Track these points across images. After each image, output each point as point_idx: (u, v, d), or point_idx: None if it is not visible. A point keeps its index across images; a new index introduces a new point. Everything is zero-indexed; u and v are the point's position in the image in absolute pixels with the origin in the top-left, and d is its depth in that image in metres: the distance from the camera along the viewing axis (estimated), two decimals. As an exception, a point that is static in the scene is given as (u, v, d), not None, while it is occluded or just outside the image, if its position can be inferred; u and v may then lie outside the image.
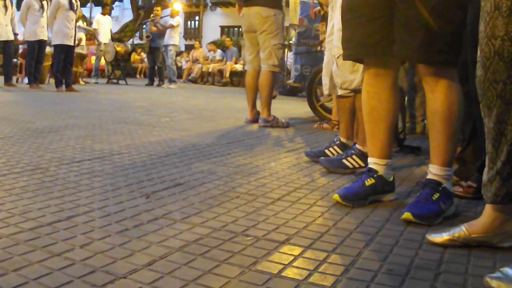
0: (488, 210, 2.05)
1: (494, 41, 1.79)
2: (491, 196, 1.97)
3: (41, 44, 11.45)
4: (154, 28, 15.74)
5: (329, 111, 6.84)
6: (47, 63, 13.19)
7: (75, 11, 11.06)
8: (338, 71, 3.56)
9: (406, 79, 5.89)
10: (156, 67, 16.53)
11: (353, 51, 2.79)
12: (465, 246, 2.06)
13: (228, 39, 23.40)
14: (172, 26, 15.37)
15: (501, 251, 2.04)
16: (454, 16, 2.45)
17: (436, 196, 2.47)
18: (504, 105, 1.83)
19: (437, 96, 2.55)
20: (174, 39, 15.47)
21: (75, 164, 3.26)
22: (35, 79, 11.48)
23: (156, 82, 16.43)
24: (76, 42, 11.58)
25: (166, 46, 15.39)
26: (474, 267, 1.90)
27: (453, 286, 1.72)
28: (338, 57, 3.54)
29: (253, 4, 5.99)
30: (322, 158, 3.62)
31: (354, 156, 3.49)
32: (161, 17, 16.20)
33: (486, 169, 2.00)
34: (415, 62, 2.72)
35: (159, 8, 16.69)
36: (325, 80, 4.06)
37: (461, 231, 2.07)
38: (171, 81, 15.57)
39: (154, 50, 16.02)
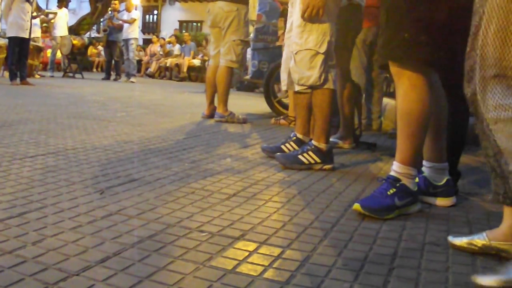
0: (507, 213, 1.97)
1: None
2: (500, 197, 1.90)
3: (-6, 36, 11.25)
4: (115, 23, 15.50)
5: (286, 107, 6.87)
6: (1, 55, 12.93)
7: (31, 3, 10.88)
8: (296, 67, 3.57)
9: (364, 75, 5.93)
10: (113, 61, 16.34)
11: None
12: (484, 253, 1.99)
13: (186, 34, 23.29)
14: (134, 21, 15.26)
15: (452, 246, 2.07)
16: (407, 12, 2.43)
17: (391, 191, 2.48)
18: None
19: (398, 94, 2.56)
20: (135, 32, 15.34)
21: (29, 159, 3.21)
22: (-12, 72, 11.28)
23: (113, 77, 16.25)
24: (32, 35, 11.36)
25: (127, 40, 15.20)
26: (427, 261, 1.93)
27: (407, 280, 1.74)
28: (296, 53, 3.55)
29: None
30: (278, 153, 3.64)
31: (310, 152, 3.51)
32: (119, 12, 15.99)
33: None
34: (381, 60, 2.73)
35: (116, 2, 16.47)
36: (283, 76, 4.07)
37: (481, 236, 2.01)
38: (131, 75, 15.44)
39: (111, 44, 15.82)
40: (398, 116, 2.57)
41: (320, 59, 3.48)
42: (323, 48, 3.47)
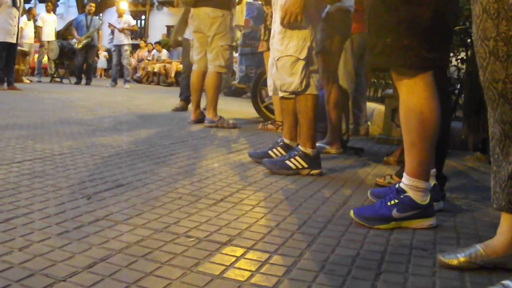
0: (505, 227, 1.90)
1: (487, 42, 1.77)
2: (506, 205, 1.84)
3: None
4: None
5: (273, 112, 6.88)
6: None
7: (18, 8, 10.83)
8: (278, 73, 3.59)
9: (354, 80, 5.95)
10: (85, 65, 16.14)
11: None
12: (483, 268, 1.91)
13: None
14: (136, 27, 15.27)
15: (439, 252, 2.08)
16: (388, 16, 2.37)
17: (392, 202, 2.41)
18: (507, 104, 1.78)
19: (400, 101, 2.46)
20: (129, 38, 15.30)
21: (15, 165, 3.20)
22: (-25, 77, 11.20)
23: (84, 81, 15.99)
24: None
25: (121, 46, 15.14)
26: (414, 266, 1.93)
27: (394, 285, 1.75)
28: (277, 60, 3.57)
29: (203, 5, 5.98)
30: (265, 159, 3.64)
31: (297, 157, 3.52)
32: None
33: (492, 175, 1.91)
34: (367, 67, 2.67)
35: (93, 5, 16.39)
36: (270, 82, 4.08)
37: (477, 251, 1.92)
38: (126, 81, 15.43)
39: (90, 48, 15.72)
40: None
41: (300, 65, 3.50)
42: (304, 54, 3.48)
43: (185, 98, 8.10)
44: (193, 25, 6.22)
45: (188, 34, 7.44)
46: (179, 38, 7.81)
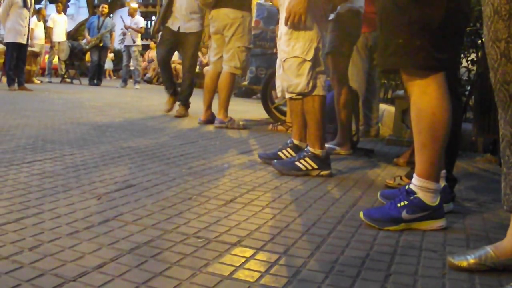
0: None
1: (498, 43, 1.77)
2: None
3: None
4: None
5: (283, 113, 6.88)
6: (-1, 60, 12.94)
7: (28, 9, 10.87)
8: (284, 74, 3.59)
9: (365, 81, 5.94)
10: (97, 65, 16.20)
11: None
12: (493, 270, 1.89)
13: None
14: (143, 29, 15.34)
15: (449, 254, 2.07)
16: (400, 16, 2.36)
17: (402, 203, 2.40)
18: None
19: (411, 102, 2.45)
20: (138, 39, 15.35)
21: (26, 165, 3.21)
22: (-14, 77, 11.26)
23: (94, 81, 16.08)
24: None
25: (130, 47, 15.22)
26: (423, 268, 1.93)
27: (403, 286, 1.74)
28: (284, 61, 3.57)
29: (222, 6, 6.00)
30: (275, 160, 3.64)
31: (306, 158, 3.51)
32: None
33: (502, 177, 1.91)
34: (379, 68, 2.66)
35: (106, 6, 16.50)
36: (278, 83, 4.08)
37: (487, 253, 1.91)
38: (136, 82, 15.51)
39: (102, 48, 15.79)
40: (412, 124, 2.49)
41: (307, 66, 3.50)
42: (310, 55, 3.48)
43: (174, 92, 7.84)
44: (212, 27, 6.22)
45: (170, 23, 7.32)
46: (161, 27, 7.70)
